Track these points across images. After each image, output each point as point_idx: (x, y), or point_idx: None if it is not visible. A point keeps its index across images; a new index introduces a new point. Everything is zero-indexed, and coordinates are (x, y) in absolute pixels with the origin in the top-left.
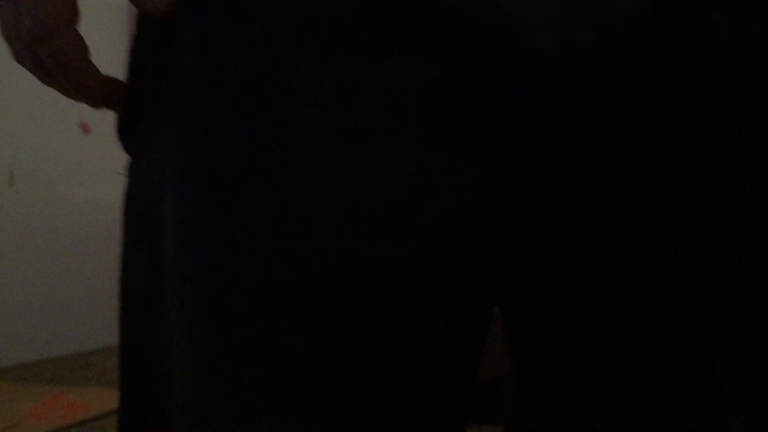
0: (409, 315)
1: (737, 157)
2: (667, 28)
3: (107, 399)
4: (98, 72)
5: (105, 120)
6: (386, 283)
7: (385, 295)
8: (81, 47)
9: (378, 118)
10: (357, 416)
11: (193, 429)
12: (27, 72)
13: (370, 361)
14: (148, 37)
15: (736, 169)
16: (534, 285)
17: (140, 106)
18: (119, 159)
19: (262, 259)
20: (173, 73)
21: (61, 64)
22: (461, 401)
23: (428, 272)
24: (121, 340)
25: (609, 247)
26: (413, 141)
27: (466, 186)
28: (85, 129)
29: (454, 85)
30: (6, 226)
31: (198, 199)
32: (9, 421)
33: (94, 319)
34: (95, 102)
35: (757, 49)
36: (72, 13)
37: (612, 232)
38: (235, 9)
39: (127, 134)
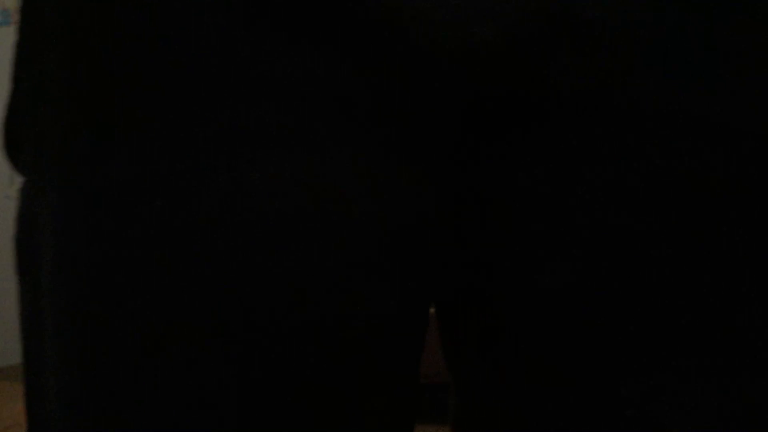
0: (322, 327)
1: (656, 159)
2: (576, 31)
3: None
4: None
5: None
6: (293, 298)
7: (292, 310)
8: None
9: (265, 122)
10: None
11: None
12: None
13: (286, 375)
14: (27, 39)
15: (660, 171)
16: (481, 289)
17: (24, 114)
18: None
19: (149, 288)
20: (43, 78)
21: None
22: (402, 406)
23: (341, 283)
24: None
25: (552, 256)
26: (304, 146)
27: (373, 190)
28: None
29: (348, 84)
30: (6, 226)
31: (73, 220)
32: (9, 421)
33: None
34: None
35: (667, 50)
36: None
37: (553, 241)
38: None
39: (12, 147)
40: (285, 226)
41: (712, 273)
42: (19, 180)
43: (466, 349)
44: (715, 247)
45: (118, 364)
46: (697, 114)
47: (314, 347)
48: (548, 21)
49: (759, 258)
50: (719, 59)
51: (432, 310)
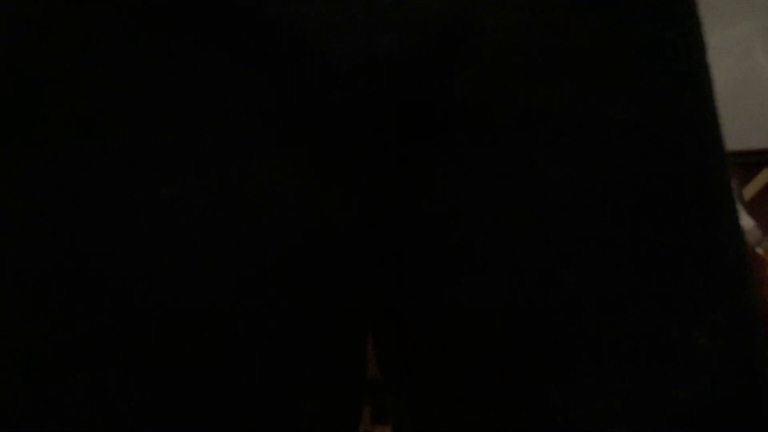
0: (247, 336)
1: (567, 165)
2: (474, 38)
3: None
4: None
5: None
6: (198, 314)
7: (198, 324)
8: None
9: (171, 136)
10: None
11: None
12: None
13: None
14: None
15: (571, 177)
16: (402, 301)
17: None
18: None
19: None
20: None
21: None
22: (343, 408)
23: (250, 295)
24: None
25: (467, 268)
26: (211, 160)
27: (284, 201)
28: None
29: (253, 94)
30: None
31: None
32: None
33: None
34: None
35: (566, 54)
36: None
37: (468, 251)
38: None
39: None
40: (193, 243)
41: (632, 276)
42: None
43: (395, 358)
44: (632, 249)
45: (21, 383)
46: (601, 115)
47: (232, 358)
48: (449, 28)
49: (678, 258)
50: (617, 60)
51: None
